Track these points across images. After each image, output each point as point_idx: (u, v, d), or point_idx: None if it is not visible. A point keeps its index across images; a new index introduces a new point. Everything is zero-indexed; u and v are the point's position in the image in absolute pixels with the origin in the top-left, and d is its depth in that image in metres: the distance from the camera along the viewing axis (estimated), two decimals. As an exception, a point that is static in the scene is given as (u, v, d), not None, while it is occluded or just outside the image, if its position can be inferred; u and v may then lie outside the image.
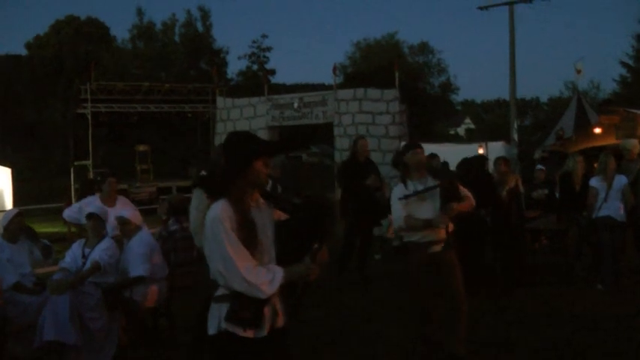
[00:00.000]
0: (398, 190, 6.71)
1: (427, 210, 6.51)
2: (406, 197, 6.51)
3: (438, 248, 6.55)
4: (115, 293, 7.16)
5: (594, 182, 9.90)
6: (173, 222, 8.60)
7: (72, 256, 7.40)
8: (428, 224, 6.46)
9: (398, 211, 6.61)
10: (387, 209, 13.02)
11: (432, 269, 6.54)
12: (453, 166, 11.10)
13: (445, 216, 6.38)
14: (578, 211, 10.33)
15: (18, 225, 7.55)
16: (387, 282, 10.68)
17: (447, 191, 6.43)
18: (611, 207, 9.73)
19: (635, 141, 10.96)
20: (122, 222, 7.63)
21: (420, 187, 6.57)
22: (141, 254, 7.27)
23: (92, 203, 8.39)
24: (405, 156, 6.76)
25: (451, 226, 6.60)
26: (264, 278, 3.64)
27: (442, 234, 6.54)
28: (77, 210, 8.72)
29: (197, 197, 5.93)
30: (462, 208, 6.50)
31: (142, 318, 7.52)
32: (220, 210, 3.68)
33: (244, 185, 3.81)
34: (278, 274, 3.70)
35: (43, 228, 21.28)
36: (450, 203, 6.38)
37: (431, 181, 6.61)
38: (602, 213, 9.77)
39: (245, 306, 3.67)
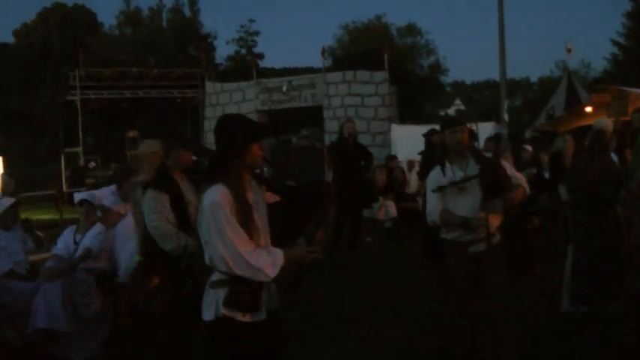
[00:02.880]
0: (434, 176, 5.83)
1: (466, 203, 5.59)
2: (440, 189, 5.66)
3: (480, 247, 5.54)
4: (108, 279, 7.18)
5: None
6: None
7: (64, 242, 7.42)
8: (465, 224, 5.54)
9: (432, 203, 5.76)
10: (377, 192, 13.16)
11: (472, 272, 5.55)
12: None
13: (484, 219, 5.42)
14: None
15: (13, 214, 7.60)
16: (378, 265, 10.71)
17: (489, 181, 5.39)
18: None
19: (608, 120, 10.94)
20: (103, 211, 7.63)
21: (460, 174, 5.64)
22: (128, 240, 7.27)
23: (109, 195, 8.44)
24: (443, 133, 5.77)
25: (498, 221, 5.65)
26: (267, 261, 3.65)
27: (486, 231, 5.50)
28: (110, 193, 8.67)
29: (151, 196, 5.35)
30: (512, 202, 5.57)
31: (133, 303, 7.53)
32: (219, 194, 3.65)
33: (241, 168, 3.79)
34: (279, 256, 3.70)
35: (34, 215, 21.19)
36: (492, 201, 5.45)
37: (472, 166, 5.64)
38: None
39: (244, 290, 3.67)
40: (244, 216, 3.68)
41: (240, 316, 3.71)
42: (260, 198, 3.93)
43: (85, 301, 6.90)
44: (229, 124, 3.87)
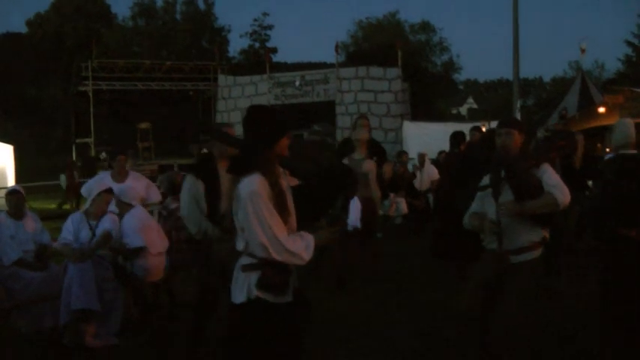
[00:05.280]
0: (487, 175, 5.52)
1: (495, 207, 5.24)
2: (481, 188, 5.46)
3: (516, 259, 5.18)
4: (120, 267, 7.19)
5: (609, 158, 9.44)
6: (171, 200, 8.61)
7: (72, 229, 7.32)
8: (480, 229, 5.35)
9: (473, 204, 5.56)
10: (387, 188, 13.10)
11: (498, 283, 5.22)
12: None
13: (496, 227, 5.13)
14: (580, 190, 10.20)
15: (16, 203, 7.61)
16: (388, 261, 10.68)
17: (513, 184, 5.14)
18: None
19: (628, 120, 10.82)
20: (117, 201, 7.68)
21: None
22: (135, 228, 7.28)
23: (103, 180, 8.44)
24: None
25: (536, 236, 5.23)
26: (301, 246, 3.78)
27: (521, 241, 5.18)
28: (93, 186, 8.81)
29: (189, 182, 5.84)
30: (532, 212, 5.10)
31: (143, 293, 7.53)
32: (257, 184, 3.75)
33: (273, 158, 3.89)
34: (311, 240, 3.84)
35: (45, 205, 21.32)
36: (506, 203, 5.13)
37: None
38: None
39: (276, 272, 3.79)
40: (280, 203, 3.80)
41: (272, 298, 3.81)
42: (287, 183, 4.04)
43: (107, 286, 6.90)
44: (262, 116, 3.98)
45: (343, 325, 7.23)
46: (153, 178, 11.73)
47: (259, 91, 29.41)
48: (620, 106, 17.45)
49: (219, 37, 52.62)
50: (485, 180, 5.47)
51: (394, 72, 26.80)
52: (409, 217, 13.96)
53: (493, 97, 79.08)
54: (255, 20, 53.34)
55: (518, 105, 22.66)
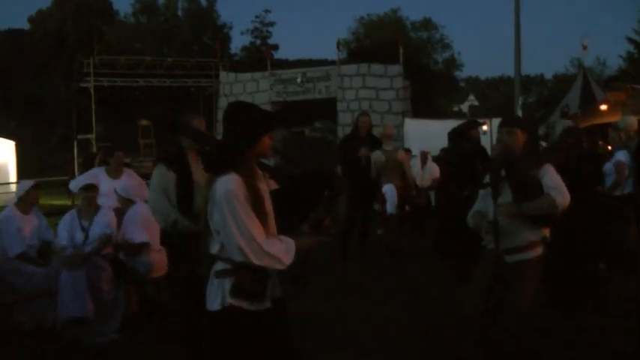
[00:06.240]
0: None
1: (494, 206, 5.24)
2: (482, 186, 5.49)
3: (515, 258, 5.19)
4: (120, 263, 7.18)
5: (622, 156, 9.20)
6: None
7: (67, 230, 7.31)
8: (479, 228, 5.34)
9: (476, 203, 5.58)
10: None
11: (499, 283, 5.22)
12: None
13: (492, 226, 5.16)
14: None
15: (32, 197, 7.61)
16: (388, 259, 10.67)
17: (515, 184, 5.11)
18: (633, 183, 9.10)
19: (632, 118, 10.76)
20: (118, 198, 7.68)
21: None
22: (138, 224, 7.27)
23: (98, 175, 8.42)
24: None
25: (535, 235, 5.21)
26: (281, 249, 3.63)
27: (520, 240, 5.16)
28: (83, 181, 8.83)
29: (160, 173, 5.58)
30: (530, 212, 5.07)
31: (144, 289, 7.52)
32: (233, 183, 3.59)
33: (252, 158, 3.76)
34: (291, 244, 3.69)
35: (46, 201, 21.29)
36: (504, 204, 5.11)
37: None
38: (627, 189, 9.17)
39: (250, 279, 3.63)
40: (257, 205, 3.64)
41: (247, 305, 3.65)
42: (266, 186, 3.88)
43: (106, 287, 6.89)
44: (242, 113, 3.82)
45: (343, 325, 7.21)
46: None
47: (260, 88, 29.33)
48: (622, 103, 17.40)
49: (221, 33, 52.64)
50: (487, 178, 5.46)
51: (396, 69, 26.70)
52: (410, 214, 13.92)
53: (494, 94, 79.10)
54: (257, 17, 53.44)
55: (520, 102, 22.59)
